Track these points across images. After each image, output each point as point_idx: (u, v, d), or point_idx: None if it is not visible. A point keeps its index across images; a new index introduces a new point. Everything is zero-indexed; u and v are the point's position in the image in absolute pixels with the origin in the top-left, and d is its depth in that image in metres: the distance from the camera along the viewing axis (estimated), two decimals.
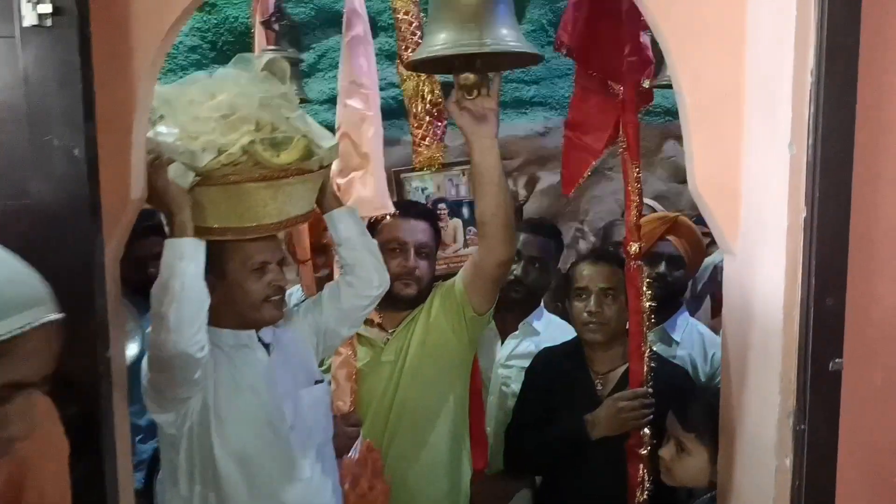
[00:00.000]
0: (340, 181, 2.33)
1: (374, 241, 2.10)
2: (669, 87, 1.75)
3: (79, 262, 1.45)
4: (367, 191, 2.33)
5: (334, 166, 2.29)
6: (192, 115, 1.75)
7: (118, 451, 1.60)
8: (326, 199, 2.02)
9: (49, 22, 1.37)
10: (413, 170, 2.69)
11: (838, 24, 1.35)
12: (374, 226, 2.33)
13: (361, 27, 2.40)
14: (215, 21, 3.82)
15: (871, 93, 1.41)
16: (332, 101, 3.94)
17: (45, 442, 1.30)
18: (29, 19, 1.36)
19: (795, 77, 1.40)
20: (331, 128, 3.78)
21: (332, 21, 3.95)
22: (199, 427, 1.86)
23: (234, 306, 1.90)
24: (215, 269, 1.85)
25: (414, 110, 2.55)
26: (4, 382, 0.85)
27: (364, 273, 2.02)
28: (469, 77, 1.98)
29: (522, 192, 4.09)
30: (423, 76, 2.47)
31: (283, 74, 1.92)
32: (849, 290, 1.42)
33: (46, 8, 1.36)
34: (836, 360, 1.43)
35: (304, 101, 2.45)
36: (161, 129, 1.78)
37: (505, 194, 2.14)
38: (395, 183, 2.66)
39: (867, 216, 1.43)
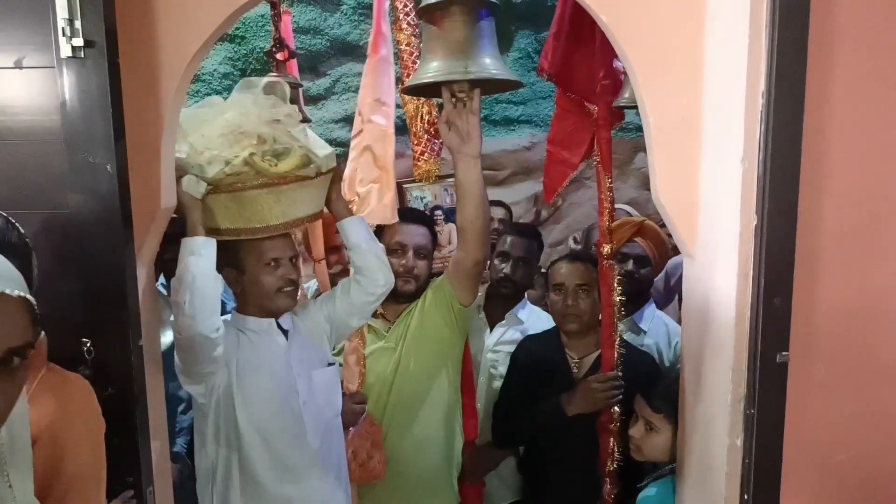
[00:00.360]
0: (360, 190, 2.29)
1: (381, 246, 2.09)
2: (635, 106, 1.70)
3: (113, 264, 1.43)
4: (382, 202, 2.30)
5: (353, 175, 2.29)
6: (200, 133, 1.75)
7: (154, 427, 1.57)
8: (338, 208, 2.03)
9: (82, 53, 1.34)
10: (413, 181, 2.65)
11: (787, 51, 1.30)
12: (379, 229, 2.30)
13: (386, 50, 2.35)
14: (244, 51, 3.77)
15: (816, 114, 1.35)
16: (345, 119, 3.95)
17: (84, 423, 1.26)
18: (65, 51, 1.34)
19: (748, 99, 1.35)
20: (345, 145, 3.83)
21: (346, 50, 3.91)
22: (224, 399, 1.87)
23: (254, 296, 1.92)
24: (236, 265, 1.90)
25: (414, 129, 2.49)
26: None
27: (371, 274, 2.02)
28: (463, 85, 1.95)
29: (544, 213, 4.07)
30: (423, 99, 2.41)
31: (283, 95, 1.92)
32: (795, 290, 1.38)
33: (79, 41, 1.33)
34: (783, 353, 1.38)
35: (304, 120, 2.37)
36: (177, 147, 1.78)
37: (483, 205, 2.10)
38: (398, 192, 2.62)
39: (812, 224, 1.38)
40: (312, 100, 3.79)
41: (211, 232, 1.83)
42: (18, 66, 1.34)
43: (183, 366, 1.81)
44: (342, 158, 2.24)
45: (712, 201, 1.52)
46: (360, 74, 3.93)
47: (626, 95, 2.19)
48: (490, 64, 1.87)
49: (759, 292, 1.37)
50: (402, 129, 2.46)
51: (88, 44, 1.33)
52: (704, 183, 1.55)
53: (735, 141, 1.39)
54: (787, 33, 1.29)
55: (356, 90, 3.95)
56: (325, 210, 2.05)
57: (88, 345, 1.40)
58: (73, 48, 1.32)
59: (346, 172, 2.33)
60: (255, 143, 1.74)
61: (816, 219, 1.38)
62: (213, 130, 1.75)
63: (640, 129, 4.10)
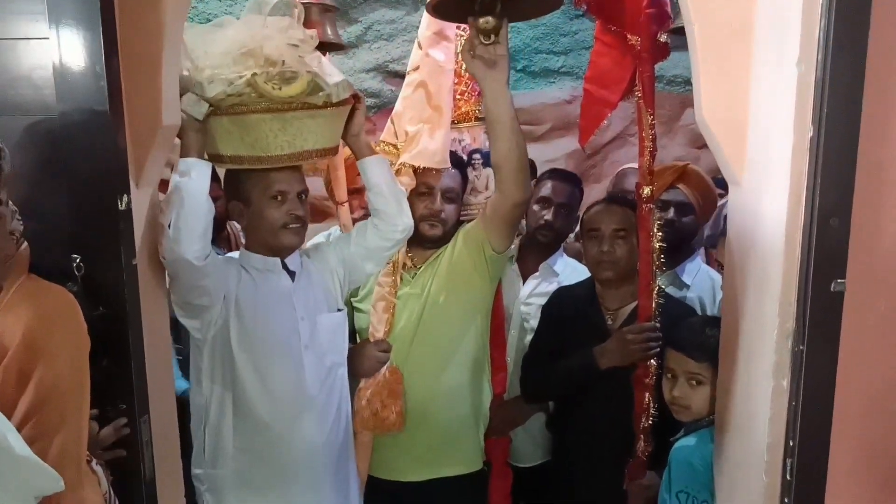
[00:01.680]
0: (410, 129, 2.19)
1: (402, 190, 2.02)
2: (682, 36, 1.55)
3: (103, 174, 1.35)
4: (433, 144, 2.18)
5: (403, 111, 2.19)
6: (204, 51, 1.69)
7: (152, 353, 1.51)
8: (359, 145, 1.96)
9: None
10: (452, 122, 2.54)
11: None
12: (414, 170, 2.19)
13: None
14: None
15: (884, 10, 1.18)
16: (377, 69, 3.84)
17: (62, 332, 1.20)
18: None
19: None
20: (377, 95, 3.72)
21: None
22: (221, 336, 1.84)
23: (259, 231, 1.88)
24: (241, 196, 1.86)
25: (455, 67, 2.38)
26: None
27: (389, 218, 1.97)
28: (489, 21, 1.83)
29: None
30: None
31: (299, 17, 1.85)
32: (854, 211, 1.22)
33: None
34: (839, 281, 1.23)
35: (338, 45, 2.26)
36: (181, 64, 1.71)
37: (517, 138, 1.99)
38: None
39: (877, 136, 1.21)
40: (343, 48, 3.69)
41: (214, 159, 1.80)
42: None
43: (173, 295, 1.77)
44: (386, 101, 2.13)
45: (763, 117, 1.37)
46: (392, 22, 3.87)
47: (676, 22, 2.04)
48: None
49: (812, 212, 1.21)
50: None
51: None
52: (755, 99, 1.40)
53: (790, 43, 1.24)
54: None
55: (389, 38, 3.88)
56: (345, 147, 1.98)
57: (78, 260, 1.34)
58: None
59: (396, 108, 2.25)
60: (261, 64, 1.67)
61: (882, 129, 1.21)
62: (217, 48, 1.68)
63: (688, 82, 3.95)
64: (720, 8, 1.40)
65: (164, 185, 1.73)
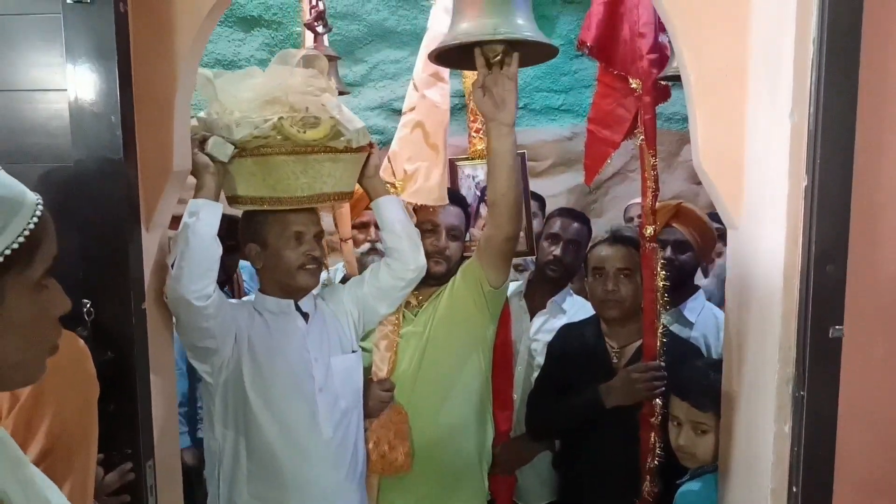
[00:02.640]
0: (408, 168, 2.23)
1: (416, 230, 2.04)
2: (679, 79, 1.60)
3: (116, 220, 1.38)
4: (430, 182, 2.23)
5: (400, 151, 2.23)
6: (232, 96, 1.74)
7: (159, 397, 1.53)
8: (374, 185, 1.99)
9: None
10: (466, 159, 2.62)
11: None
12: (416, 207, 2.23)
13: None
14: (281, 37, 3.76)
15: (874, 61, 1.23)
16: (381, 107, 3.91)
17: (71, 380, 1.22)
18: None
19: (797, 46, 1.23)
20: (381, 132, 3.78)
21: (382, 37, 3.87)
22: (233, 380, 1.84)
23: (275, 273, 1.89)
24: (259, 238, 1.88)
25: (471, 105, 2.43)
26: (44, 269, 0.79)
27: (402, 257, 1.98)
28: (494, 48, 1.86)
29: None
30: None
31: (321, 69, 1.90)
32: (850, 257, 1.24)
33: None
34: (837, 328, 1.25)
35: (341, 93, 2.33)
36: (209, 110, 1.78)
37: (515, 177, 2.03)
38: (450, 169, 2.55)
39: (870, 183, 1.25)
40: (348, 86, 3.75)
41: (234, 200, 1.83)
42: (23, 12, 1.32)
43: (179, 336, 1.78)
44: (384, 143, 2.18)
45: (758, 162, 1.40)
46: (396, 62, 3.95)
47: (674, 65, 2.09)
48: (523, 26, 1.78)
49: (809, 259, 1.24)
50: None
51: None
52: (751, 142, 1.44)
53: (783, 93, 1.28)
54: None
55: (393, 77, 3.95)
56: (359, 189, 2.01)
57: (88, 305, 1.36)
58: None
59: (393, 147, 2.29)
60: (286, 110, 1.73)
61: (874, 177, 1.25)
62: (245, 94, 1.74)
63: (686, 119, 3.98)
64: (714, 56, 1.44)
65: (175, 222, 1.76)
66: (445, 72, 2.30)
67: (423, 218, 2.23)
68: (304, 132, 1.70)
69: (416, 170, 2.23)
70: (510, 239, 2.10)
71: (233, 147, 1.69)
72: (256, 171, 1.75)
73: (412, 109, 2.29)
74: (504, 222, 2.05)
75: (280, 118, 1.69)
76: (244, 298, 2.04)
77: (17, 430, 1.12)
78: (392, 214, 1.96)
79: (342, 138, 1.78)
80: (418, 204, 2.20)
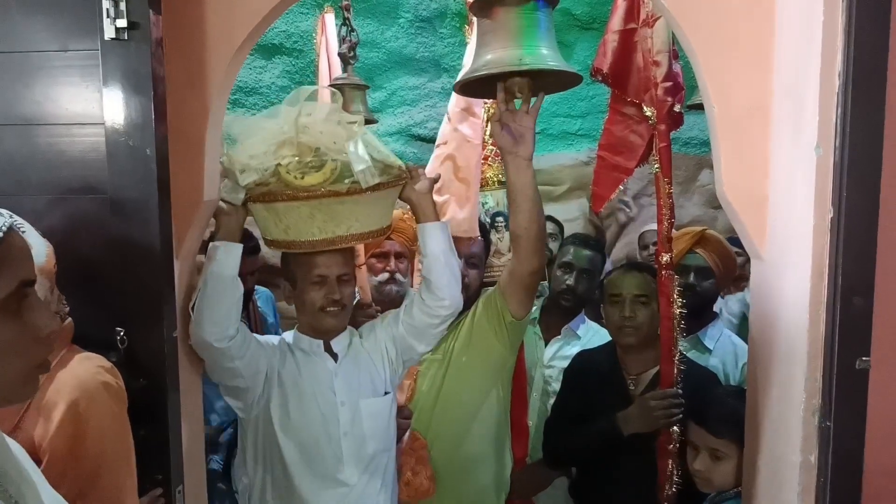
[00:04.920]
0: (438, 199, 2.19)
1: (458, 262, 1.92)
2: (701, 107, 1.61)
3: (150, 250, 1.40)
4: (462, 214, 2.25)
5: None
6: (245, 142, 1.71)
7: (188, 424, 1.54)
8: (422, 208, 1.87)
9: (126, 35, 1.33)
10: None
11: (866, 24, 1.19)
12: None
13: None
14: (302, 64, 3.82)
15: None
16: (400, 133, 3.96)
17: (103, 396, 1.24)
18: (108, 33, 1.33)
19: (823, 79, 1.24)
20: (401, 158, 3.80)
21: (401, 63, 3.92)
22: (263, 417, 1.83)
23: (302, 313, 1.89)
24: (290, 278, 1.87)
25: (484, 135, 2.45)
26: (11, 290, 0.79)
27: (438, 290, 1.86)
28: (515, 80, 1.85)
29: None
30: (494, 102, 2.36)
31: (337, 101, 1.84)
32: (877, 289, 1.24)
33: (123, 23, 1.33)
34: (864, 359, 1.24)
35: (368, 121, 2.35)
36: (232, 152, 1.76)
37: (537, 209, 1.99)
38: None
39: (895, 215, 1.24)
40: (374, 122, 3.81)
41: (265, 242, 1.84)
42: (63, 48, 1.35)
43: (209, 376, 1.78)
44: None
45: (783, 195, 1.40)
46: (415, 88, 4.00)
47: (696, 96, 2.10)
48: (547, 55, 1.78)
49: (836, 291, 1.24)
50: None
51: (132, 25, 1.32)
52: (774, 175, 1.44)
53: (808, 126, 1.28)
54: (867, 4, 1.18)
55: (412, 104, 4.00)
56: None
57: (122, 334, 1.38)
58: (117, 29, 1.32)
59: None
60: (293, 153, 1.69)
61: None
62: (255, 138, 1.71)
63: (705, 143, 4.02)
64: (738, 90, 1.45)
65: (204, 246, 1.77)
66: (478, 107, 2.33)
67: None
68: (302, 178, 1.66)
69: (445, 202, 2.25)
70: (535, 273, 2.07)
71: (244, 192, 1.68)
72: (268, 216, 1.74)
73: (444, 143, 2.32)
74: (528, 256, 2.01)
75: (279, 164, 1.66)
76: (286, 334, 1.99)
77: (58, 457, 1.12)
78: (437, 242, 1.86)
79: (346, 181, 1.70)
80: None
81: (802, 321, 1.30)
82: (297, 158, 1.67)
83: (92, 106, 1.37)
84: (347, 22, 2.53)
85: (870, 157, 1.22)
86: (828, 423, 1.26)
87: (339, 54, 2.52)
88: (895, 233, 1.24)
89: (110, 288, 1.39)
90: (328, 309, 1.83)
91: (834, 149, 1.23)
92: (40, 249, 1.20)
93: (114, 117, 1.36)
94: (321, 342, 1.89)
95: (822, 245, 1.26)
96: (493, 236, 2.48)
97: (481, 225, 2.42)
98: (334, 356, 1.90)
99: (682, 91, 2.17)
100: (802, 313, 1.30)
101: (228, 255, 1.68)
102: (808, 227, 1.28)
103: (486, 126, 2.40)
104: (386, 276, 2.41)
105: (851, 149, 1.22)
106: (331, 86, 2.40)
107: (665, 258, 2.06)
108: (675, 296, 2.07)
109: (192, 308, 1.64)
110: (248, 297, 2.51)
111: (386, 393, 1.95)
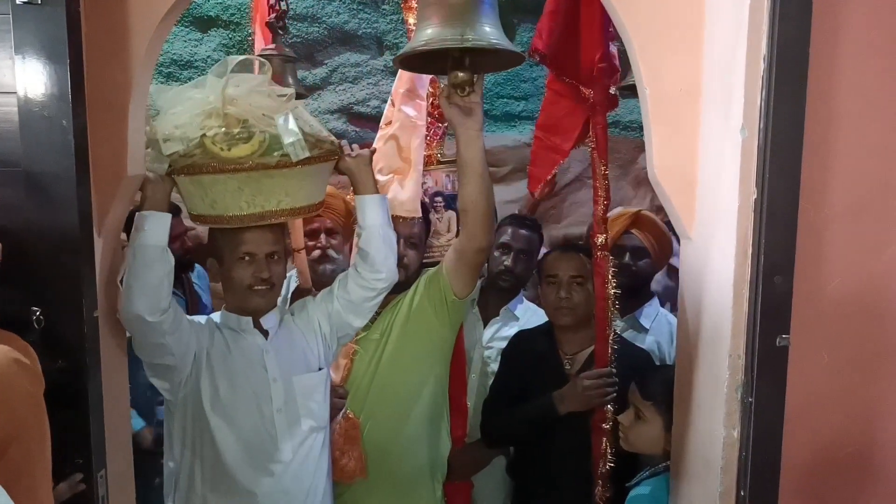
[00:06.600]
0: (381, 178, 2.19)
1: (395, 236, 1.94)
2: (634, 93, 1.63)
3: (68, 228, 1.34)
4: (403, 194, 2.22)
5: (376, 162, 2.13)
6: (171, 111, 1.66)
7: (111, 406, 1.49)
8: (362, 182, 1.87)
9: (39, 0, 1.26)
10: None
11: (791, 12, 1.22)
12: None
13: None
14: (239, 38, 3.72)
15: (821, 80, 1.28)
16: (341, 110, 3.90)
17: (18, 375, 1.18)
18: None
19: (748, 64, 1.27)
20: (342, 136, 3.77)
21: (343, 40, 3.86)
22: (192, 398, 1.79)
23: (229, 291, 1.84)
24: (216, 254, 1.83)
25: (427, 116, 2.42)
26: None
27: (375, 264, 1.87)
28: (458, 75, 1.85)
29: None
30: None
31: (265, 72, 1.79)
32: (797, 269, 1.29)
33: None
34: (783, 337, 1.30)
35: (300, 95, 2.29)
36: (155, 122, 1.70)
37: (487, 183, 1.99)
38: None
39: (816, 198, 1.30)
40: (308, 90, 3.73)
41: (192, 218, 1.78)
42: None
43: (136, 353, 1.72)
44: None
45: (712, 176, 1.44)
46: (357, 65, 3.94)
47: (630, 77, 2.12)
48: (490, 33, 1.76)
49: (758, 271, 1.28)
50: None
51: None
52: (704, 157, 1.47)
53: (735, 109, 1.31)
54: None
55: (353, 81, 3.95)
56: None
57: (38, 314, 1.32)
58: None
59: None
60: (220, 124, 1.64)
61: (820, 192, 1.30)
62: (182, 108, 1.65)
63: (643, 127, 4.09)
64: (670, 73, 1.47)
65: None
66: (422, 88, 2.30)
67: None
68: (229, 150, 1.61)
69: (388, 181, 2.23)
70: (482, 250, 2.06)
71: (167, 162, 1.62)
72: (193, 189, 1.68)
73: (388, 124, 2.30)
74: (477, 233, 2.01)
75: (203, 135, 1.61)
76: (212, 314, 1.96)
77: None
78: (375, 214, 1.86)
79: (275, 154, 1.65)
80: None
81: (727, 300, 1.34)
82: (223, 130, 1.62)
83: (3, 74, 1.30)
84: None
85: (791, 140, 1.26)
86: (750, 399, 1.31)
87: (268, 24, 2.44)
88: (815, 214, 1.29)
89: (25, 265, 1.33)
90: (256, 288, 1.80)
91: (758, 131, 1.27)
92: None
93: (27, 86, 1.29)
94: (250, 319, 1.86)
95: (745, 225, 1.30)
96: (433, 216, 2.47)
97: (423, 206, 2.41)
98: (264, 333, 1.88)
99: (618, 73, 2.19)
100: (727, 292, 1.34)
101: (157, 224, 1.62)
102: (734, 208, 1.31)
103: (430, 105, 2.38)
104: (318, 253, 2.41)
105: (775, 132, 1.26)
106: (259, 55, 2.33)
107: (600, 239, 2.08)
108: (610, 276, 2.10)
109: (121, 281, 1.59)
110: (182, 269, 2.44)
111: (320, 369, 1.94)
